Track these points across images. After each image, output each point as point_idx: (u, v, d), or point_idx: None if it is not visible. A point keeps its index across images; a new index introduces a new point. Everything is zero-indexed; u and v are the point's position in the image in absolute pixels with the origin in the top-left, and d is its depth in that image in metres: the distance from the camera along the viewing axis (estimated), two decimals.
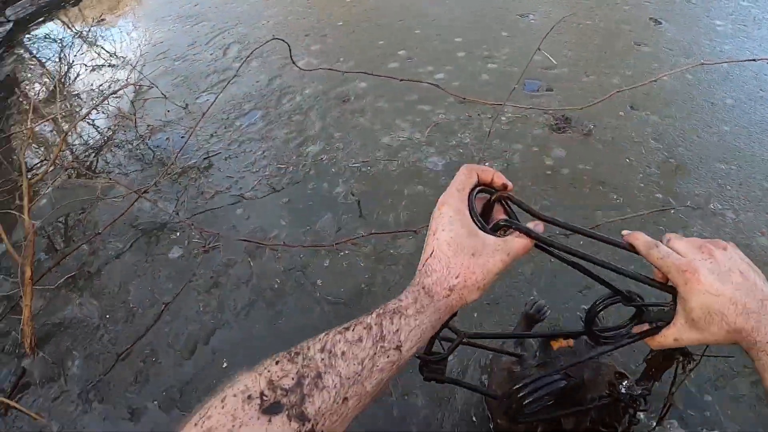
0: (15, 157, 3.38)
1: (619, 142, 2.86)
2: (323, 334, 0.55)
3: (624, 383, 0.99)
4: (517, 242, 0.65)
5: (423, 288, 0.62)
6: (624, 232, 0.72)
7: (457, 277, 0.61)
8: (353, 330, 0.55)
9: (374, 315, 0.58)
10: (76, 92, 4.09)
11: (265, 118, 3.39)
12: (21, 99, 4.18)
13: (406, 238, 2.30)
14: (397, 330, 0.56)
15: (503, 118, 3.03)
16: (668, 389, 1.01)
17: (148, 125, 3.40)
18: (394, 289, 2.04)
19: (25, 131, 3.13)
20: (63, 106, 3.88)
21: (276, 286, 2.34)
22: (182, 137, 3.21)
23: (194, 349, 2.13)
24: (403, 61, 3.74)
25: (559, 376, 0.92)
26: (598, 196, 2.54)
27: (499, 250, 0.64)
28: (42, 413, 2.11)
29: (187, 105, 3.52)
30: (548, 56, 3.39)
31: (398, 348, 0.56)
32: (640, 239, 0.69)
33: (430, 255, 0.63)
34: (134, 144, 3.27)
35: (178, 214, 2.68)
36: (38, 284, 2.40)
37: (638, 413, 1.05)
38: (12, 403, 2.10)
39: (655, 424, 1.35)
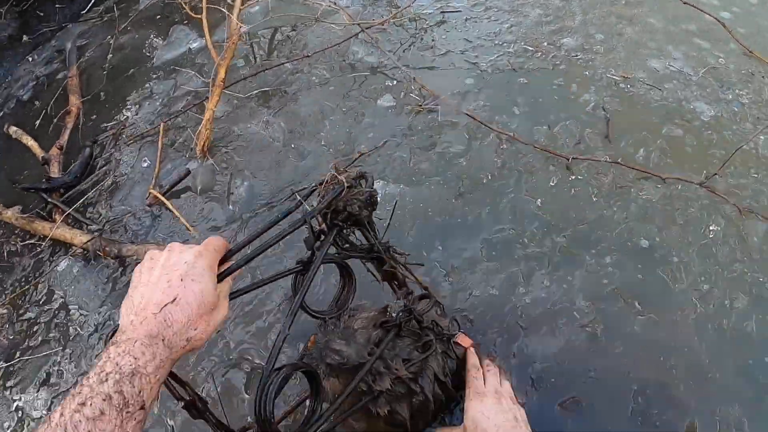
0: None
1: None
2: (58, 414, 0.51)
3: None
4: (227, 286, 0.70)
5: (163, 341, 0.59)
6: None
7: (195, 330, 0.62)
8: (91, 405, 0.52)
9: (111, 382, 0.54)
10: None
11: None
12: None
13: (652, 182, 1.68)
14: (140, 391, 0.55)
15: None
16: None
17: None
18: (617, 237, 1.54)
19: None
20: None
21: (485, 180, 1.66)
22: None
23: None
24: None
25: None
26: None
27: (225, 301, 0.68)
28: (194, 225, 1.68)
29: None
30: None
31: (143, 408, 0.56)
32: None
33: (172, 301, 0.61)
34: None
35: (398, 62, 2.06)
36: (229, 89, 1.99)
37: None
38: (166, 202, 1.71)
39: None
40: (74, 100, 2.33)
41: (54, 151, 2.15)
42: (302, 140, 1.85)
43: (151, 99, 2.18)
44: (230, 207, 1.72)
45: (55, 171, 2.06)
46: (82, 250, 1.78)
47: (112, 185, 1.93)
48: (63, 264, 1.78)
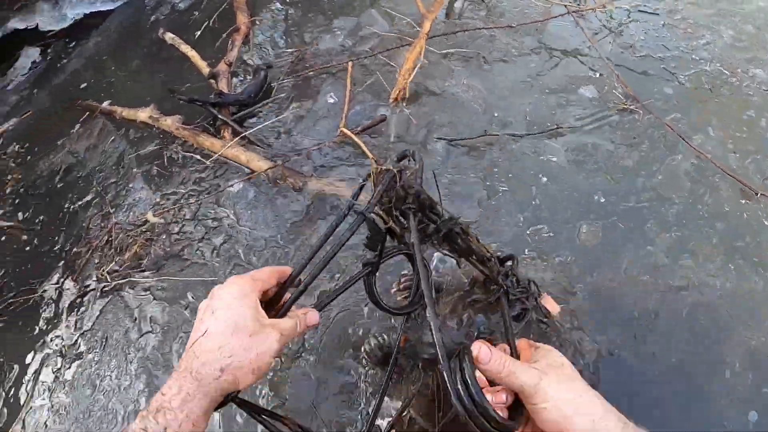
0: None
1: None
2: None
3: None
4: (287, 322, 0.64)
5: (190, 373, 0.56)
6: None
7: (230, 357, 0.57)
8: None
9: (138, 420, 0.55)
10: None
11: None
12: None
13: None
14: (165, 429, 0.54)
15: None
16: None
17: None
18: None
19: None
20: None
21: (676, 198, 1.53)
22: None
23: None
24: None
25: None
26: None
27: (274, 331, 0.61)
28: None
29: None
30: None
31: None
32: None
33: (203, 334, 0.59)
34: None
35: (599, 54, 1.94)
36: (430, 44, 1.86)
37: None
38: (360, 143, 1.61)
39: None
40: (243, 19, 2.21)
41: (222, 66, 2.03)
42: (504, 111, 1.73)
43: (331, 33, 2.05)
44: (429, 157, 1.62)
45: (223, 87, 1.95)
46: (254, 173, 1.68)
47: (293, 115, 1.82)
48: (238, 186, 1.67)
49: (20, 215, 2.03)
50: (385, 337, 1.10)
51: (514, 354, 0.70)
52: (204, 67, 2.05)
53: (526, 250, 1.39)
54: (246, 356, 0.57)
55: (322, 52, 2.00)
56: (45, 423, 1.44)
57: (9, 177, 2.17)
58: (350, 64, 1.86)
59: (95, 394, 1.44)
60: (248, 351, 0.58)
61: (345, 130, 1.67)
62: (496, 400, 0.63)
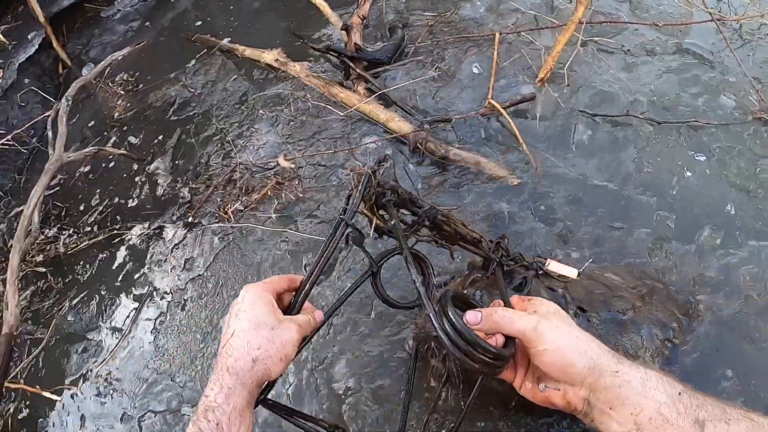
0: None
1: None
2: None
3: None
4: (301, 316, 0.73)
5: (226, 370, 0.64)
6: None
7: (258, 348, 0.65)
8: None
9: (191, 426, 0.61)
10: None
11: None
12: None
13: None
14: (218, 424, 0.60)
15: None
16: None
17: None
18: None
19: None
20: None
21: None
22: None
23: None
24: None
25: None
26: None
27: (291, 323, 0.70)
28: (533, 149, 1.54)
29: None
30: None
31: None
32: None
33: (231, 335, 0.67)
34: None
35: (737, 60, 1.87)
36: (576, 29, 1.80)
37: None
38: (508, 118, 1.58)
39: None
40: None
41: (355, 19, 1.97)
42: (646, 101, 1.66)
43: (471, 2, 1.99)
44: (572, 147, 1.57)
45: (356, 41, 1.90)
46: (392, 134, 1.64)
47: (434, 80, 1.77)
48: (374, 144, 1.63)
49: (129, 143, 2.00)
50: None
51: (508, 302, 0.75)
52: (335, 19, 2.00)
53: (647, 230, 1.35)
54: (272, 346, 0.66)
55: (461, 21, 1.94)
56: (145, 358, 1.43)
57: (118, 103, 2.13)
58: (498, 34, 1.80)
59: (194, 339, 1.42)
60: (272, 341, 0.66)
61: (493, 102, 1.62)
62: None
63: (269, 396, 0.71)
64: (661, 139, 1.55)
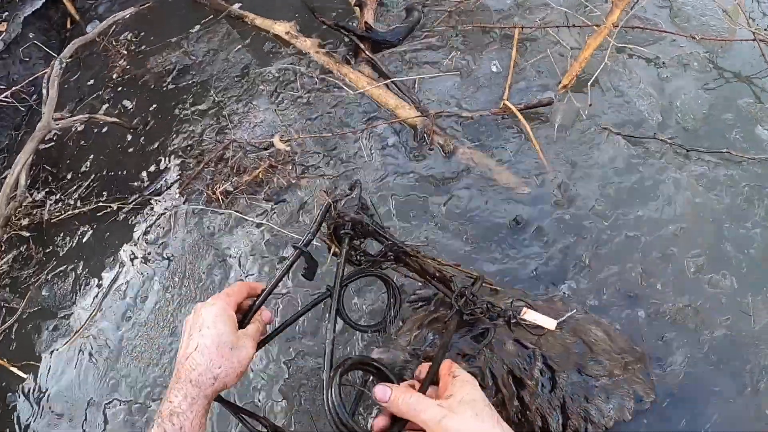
0: None
1: None
2: None
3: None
4: (252, 327, 0.79)
5: (190, 382, 0.71)
6: None
7: (219, 368, 0.72)
8: None
9: (155, 427, 0.68)
10: None
11: None
12: None
13: None
14: (181, 428, 0.68)
15: None
16: None
17: None
18: None
19: None
20: None
21: None
22: None
23: None
24: None
25: None
26: None
27: (247, 339, 0.77)
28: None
29: None
30: None
31: None
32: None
33: (195, 349, 0.73)
34: None
35: None
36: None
37: None
38: (523, 121, 1.47)
39: None
40: None
41: None
42: (675, 120, 1.53)
43: None
44: (589, 165, 1.45)
45: (369, 19, 1.77)
46: (397, 120, 1.53)
47: (451, 73, 1.65)
48: (388, 133, 1.53)
49: (124, 107, 1.90)
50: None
51: (429, 379, 0.71)
52: None
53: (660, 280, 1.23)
54: (230, 365, 0.73)
55: (484, 10, 1.80)
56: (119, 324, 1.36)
57: (119, 63, 2.03)
58: (517, 30, 1.67)
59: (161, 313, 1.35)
60: (231, 360, 0.73)
61: (508, 103, 1.51)
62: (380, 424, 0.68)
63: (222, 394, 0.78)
64: (687, 167, 1.42)
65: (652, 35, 1.77)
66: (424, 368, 0.75)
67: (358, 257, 0.80)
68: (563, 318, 0.91)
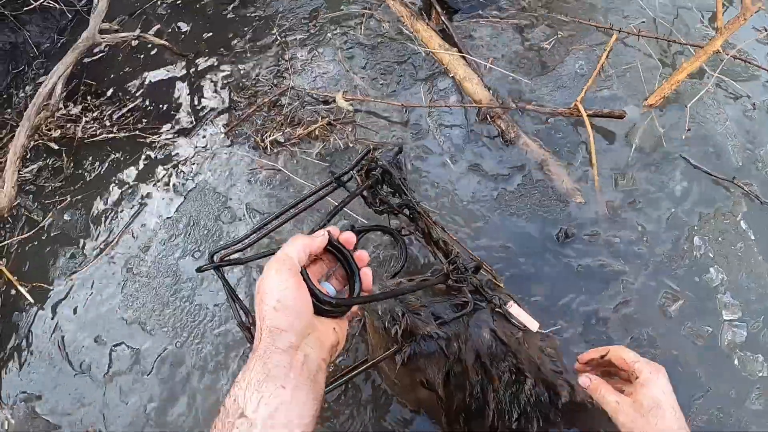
0: None
1: None
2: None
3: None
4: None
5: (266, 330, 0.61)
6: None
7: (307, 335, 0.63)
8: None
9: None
10: None
11: None
12: None
13: None
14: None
15: None
16: None
17: None
18: None
19: None
20: None
21: None
22: None
23: None
24: None
25: None
26: None
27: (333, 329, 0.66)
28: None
29: None
30: None
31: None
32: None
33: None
34: None
35: None
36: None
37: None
38: (589, 128, 1.39)
39: None
40: None
41: None
42: (758, 167, 1.47)
43: None
44: (658, 192, 1.38)
45: None
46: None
47: (528, 60, 1.55)
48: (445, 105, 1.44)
49: (178, 28, 1.78)
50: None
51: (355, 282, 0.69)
52: None
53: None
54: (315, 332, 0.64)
55: (579, 6, 1.68)
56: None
57: None
58: (615, 34, 1.56)
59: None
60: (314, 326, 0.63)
61: (579, 105, 1.41)
62: None
63: None
64: (761, 220, 1.35)
65: (747, 70, 1.66)
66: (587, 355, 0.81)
67: (379, 202, 0.86)
68: (549, 330, 1.01)
